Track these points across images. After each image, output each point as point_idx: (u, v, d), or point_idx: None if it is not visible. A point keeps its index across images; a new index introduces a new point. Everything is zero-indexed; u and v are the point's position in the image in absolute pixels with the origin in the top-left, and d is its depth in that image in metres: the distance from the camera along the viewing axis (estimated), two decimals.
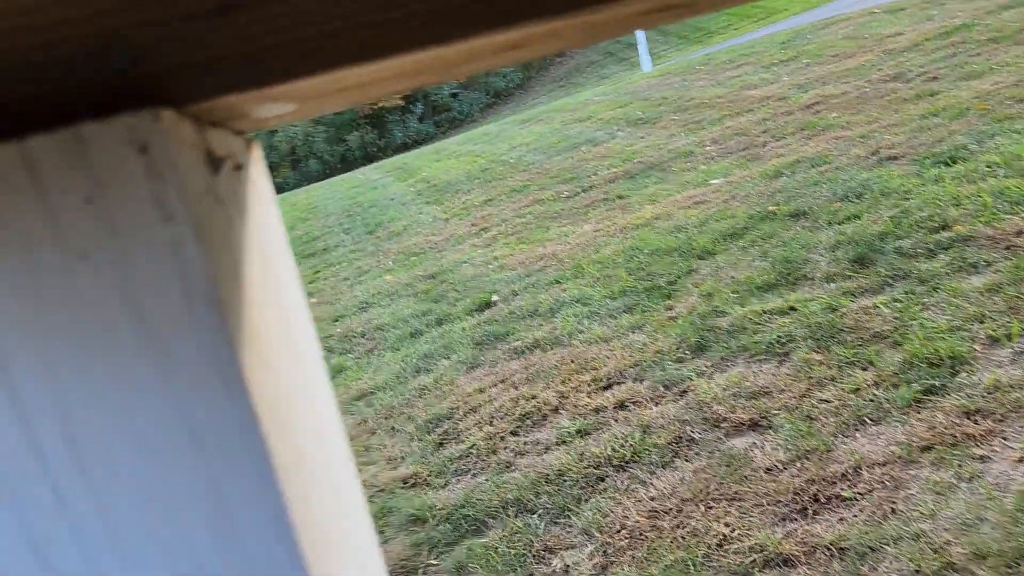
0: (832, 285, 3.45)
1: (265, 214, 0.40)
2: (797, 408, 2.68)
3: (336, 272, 7.08)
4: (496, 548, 2.50)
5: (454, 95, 25.59)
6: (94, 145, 0.28)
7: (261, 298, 0.35)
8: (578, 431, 3.03)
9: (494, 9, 0.30)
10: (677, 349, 3.39)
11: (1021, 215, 3.49)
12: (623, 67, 22.43)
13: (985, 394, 2.44)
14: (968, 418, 2.36)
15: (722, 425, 2.74)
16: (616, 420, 3.02)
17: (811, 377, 2.82)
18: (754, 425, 2.68)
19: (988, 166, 4.14)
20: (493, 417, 3.36)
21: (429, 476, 3.09)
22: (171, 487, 0.30)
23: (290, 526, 0.31)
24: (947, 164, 4.35)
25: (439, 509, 2.83)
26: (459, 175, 9.72)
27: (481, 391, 3.64)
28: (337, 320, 5.57)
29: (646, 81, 12.05)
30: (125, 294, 0.29)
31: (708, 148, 6.89)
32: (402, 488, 3.08)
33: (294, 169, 27.99)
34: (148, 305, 0.29)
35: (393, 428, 3.62)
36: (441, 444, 3.32)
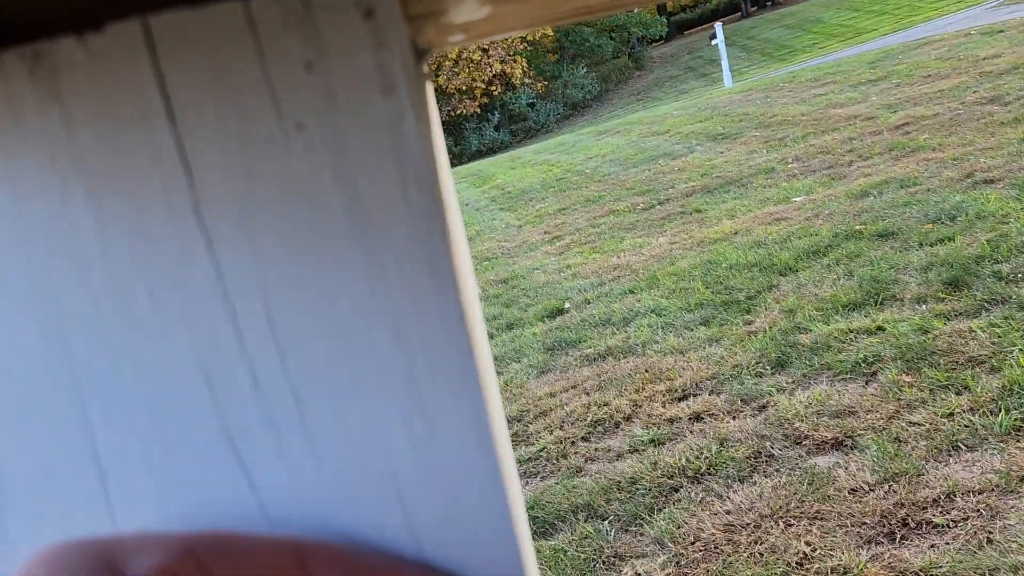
0: (923, 307, 3.32)
1: (437, 127, 0.38)
2: (885, 430, 2.57)
3: None
4: (565, 551, 2.46)
5: (531, 104, 25.66)
6: (319, 6, 0.27)
7: (450, 195, 0.33)
8: (651, 440, 2.97)
9: None
10: (756, 364, 3.30)
11: None
12: (703, 83, 22.17)
13: None
14: None
15: (804, 443, 2.65)
16: (691, 431, 2.95)
17: (900, 399, 2.71)
18: (838, 444, 2.58)
19: None
20: (564, 422, 3.32)
21: None
22: (367, 383, 0.28)
23: (491, 440, 0.28)
24: None
25: None
26: (534, 183, 9.72)
27: (552, 395, 3.60)
28: None
29: (727, 97, 11.88)
30: (338, 171, 0.28)
31: (790, 165, 6.74)
32: None
33: None
34: (361, 184, 0.28)
35: None
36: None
